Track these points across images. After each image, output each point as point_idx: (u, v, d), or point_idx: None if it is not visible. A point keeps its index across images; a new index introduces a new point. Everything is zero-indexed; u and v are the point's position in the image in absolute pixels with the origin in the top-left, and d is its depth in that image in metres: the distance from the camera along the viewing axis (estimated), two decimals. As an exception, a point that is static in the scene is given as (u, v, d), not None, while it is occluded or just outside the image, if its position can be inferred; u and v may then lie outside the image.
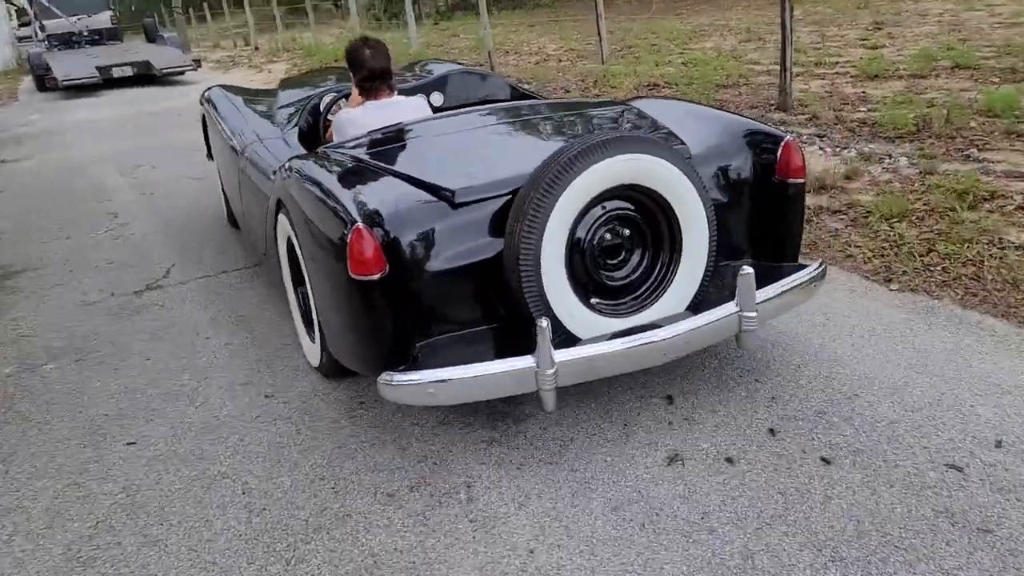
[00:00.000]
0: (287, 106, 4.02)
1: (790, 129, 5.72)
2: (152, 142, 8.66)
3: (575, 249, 2.36)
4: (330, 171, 2.71)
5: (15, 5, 20.15)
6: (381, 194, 2.49)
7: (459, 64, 4.79)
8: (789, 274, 2.62)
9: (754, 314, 2.41)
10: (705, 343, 2.52)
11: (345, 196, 2.47)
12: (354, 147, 2.92)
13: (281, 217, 2.92)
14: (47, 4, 18.39)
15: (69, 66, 14.16)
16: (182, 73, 14.69)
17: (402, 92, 3.51)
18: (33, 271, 4.70)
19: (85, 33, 18.52)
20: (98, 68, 13.96)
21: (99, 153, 8.40)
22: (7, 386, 3.28)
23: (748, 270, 2.38)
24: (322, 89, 4.02)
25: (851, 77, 7.04)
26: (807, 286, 2.63)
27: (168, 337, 3.59)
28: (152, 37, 17.84)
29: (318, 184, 2.61)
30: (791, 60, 5.96)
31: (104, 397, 3.10)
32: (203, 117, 5.06)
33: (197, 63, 14.70)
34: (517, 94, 4.16)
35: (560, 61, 10.66)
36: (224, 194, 4.92)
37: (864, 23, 10.08)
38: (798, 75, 6.91)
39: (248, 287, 4.10)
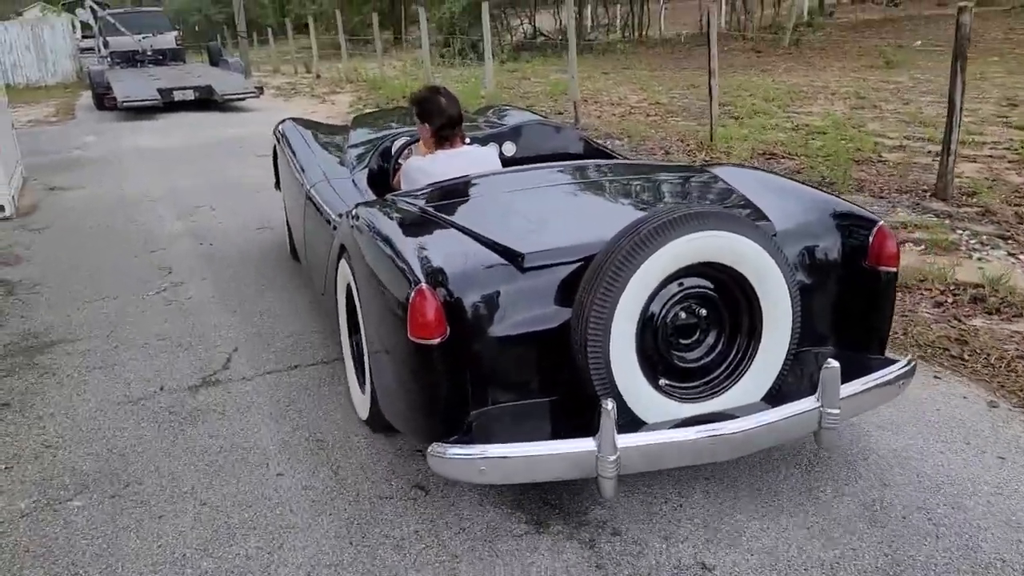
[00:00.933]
0: (358, 145, 3.99)
1: (961, 226, 4.84)
2: (212, 180, 8.02)
3: (647, 326, 2.23)
4: (396, 222, 2.64)
5: (79, 19, 19.98)
6: (447, 252, 2.39)
7: (533, 113, 4.74)
8: (876, 369, 2.44)
9: (837, 411, 2.23)
10: (781, 439, 2.39)
11: (410, 253, 2.37)
12: (422, 197, 2.87)
13: (343, 263, 2.84)
14: (113, 21, 18.20)
15: (130, 87, 13.76)
16: (243, 99, 14.19)
17: (474, 140, 3.46)
18: (71, 344, 3.97)
19: (149, 53, 18.28)
20: (159, 91, 13.52)
21: (155, 188, 7.77)
22: (18, 529, 2.51)
23: (834, 363, 2.21)
24: (394, 131, 3.96)
25: (1009, 162, 6.15)
26: (895, 384, 2.44)
27: (228, 467, 2.80)
28: (215, 60, 17.52)
29: (383, 236, 2.52)
30: (957, 140, 5.08)
31: (140, 566, 2.31)
32: (274, 148, 5.01)
33: (260, 90, 14.21)
34: (591, 150, 3.98)
35: (648, 115, 9.89)
36: (288, 226, 4.86)
37: (992, 96, 9.18)
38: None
39: (328, 393, 3.32)
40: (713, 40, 7.13)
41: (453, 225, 2.58)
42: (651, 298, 2.20)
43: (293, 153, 4.35)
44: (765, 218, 2.58)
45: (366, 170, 3.64)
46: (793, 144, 7.15)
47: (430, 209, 2.74)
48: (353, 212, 2.82)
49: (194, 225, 6.24)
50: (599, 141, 4.41)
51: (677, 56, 17.96)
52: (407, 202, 2.87)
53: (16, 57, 22.76)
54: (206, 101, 14.05)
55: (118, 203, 7.18)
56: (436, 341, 2.17)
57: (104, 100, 13.94)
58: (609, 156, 3.87)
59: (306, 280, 4.37)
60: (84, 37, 36.81)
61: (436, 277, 2.25)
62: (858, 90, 10.39)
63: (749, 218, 2.49)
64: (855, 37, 17.11)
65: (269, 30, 27.33)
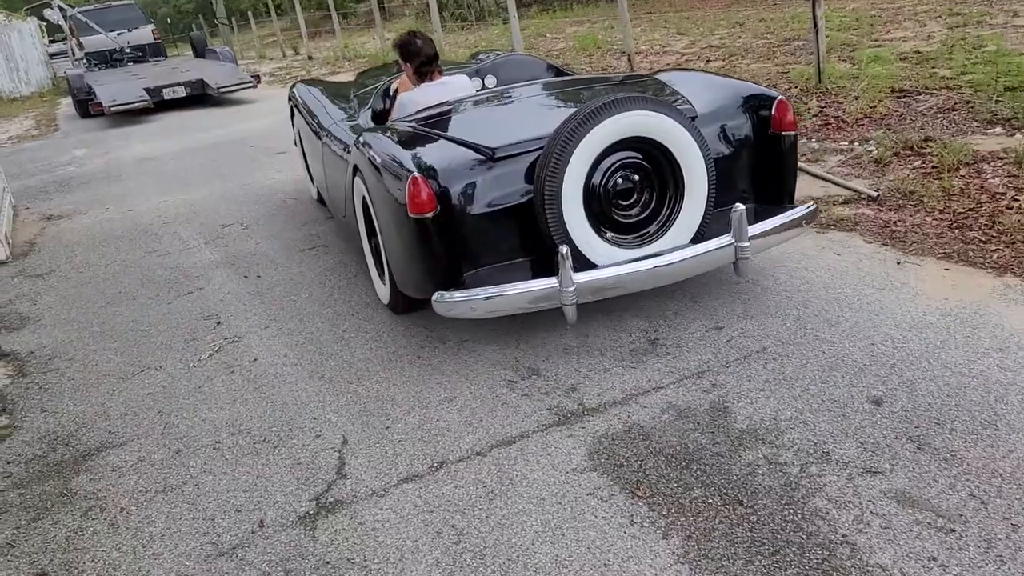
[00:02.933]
0: (361, 94, 4.78)
1: None
2: (231, 189, 6.90)
3: (592, 190, 2.89)
4: (393, 139, 3.34)
5: (45, 21, 18.58)
6: (434, 153, 3.10)
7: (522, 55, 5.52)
8: (782, 214, 3.15)
9: (747, 244, 2.96)
10: (705, 268, 3.08)
11: (404, 156, 3.08)
12: (412, 120, 3.56)
13: (357, 180, 3.51)
14: (84, 19, 16.87)
15: (115, 89, 12.51)
16: (240, 91, 12.94)
17: (465, 75, 4.19)
18: (116, 450, 2.91)
19: (127, 50, 16.99)
20: (147, 90, 12.29)
21: (168, 206, 6.65)
22: None
23: (740, 207, 2.93)
24: (391, 77, 4.63)
25: None
26: (797, 223, 3.14)
27: None
28: (201, 52, 16.18)
29: (384, 149, 3.23)
30: None
31: None
32: (291, 109, 5.79)
33: (256, 79, 12.95)
34: (558, 73, 4.68)
35: (709, 61, 8.70)
36: (309, 174, 5.75)
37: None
38: None
39: (508, 510, 2.26)
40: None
41: (438, 136, 3.24)
42: (593, 167, 2.84)
43: (308, 108, 5.07)
44: (687, 103, 3.23)
45: (370, 109, 4.30)
46: (921, 77, 6.00)
47: (419, 127, 3.41)
48: (360, 139, 3.45)
49: (228, 251, 5.15)
50: (564, 66, 5.13)
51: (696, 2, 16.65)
52: (401, 125, 3.56)
53: (-15, 69, 21.37)
54: (198, 97, 12.83)
55: (130, 229, 6.06)
56: (429, 215, 2.83)
57: (88, 107, 12.70)
58: (572, 76, 4.48)
59: (347, 238, 4.72)
60: (51, 42, 35.21)
61: (426, 170, 2.91)
62: (949, 7, 9.16)
63: (670, 103, 3.06)
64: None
65: (250, 14, 25.82)
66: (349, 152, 3.72)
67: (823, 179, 4.67)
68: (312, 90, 5.40)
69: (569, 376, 2.97)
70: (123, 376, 3.52)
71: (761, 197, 3.31)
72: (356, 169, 3.49)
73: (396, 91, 4.20)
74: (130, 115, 12.49)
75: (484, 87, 4.29)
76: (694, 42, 10.16)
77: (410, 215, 2.85)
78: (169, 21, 38.86)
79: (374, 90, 4.59)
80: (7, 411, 3.36)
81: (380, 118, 4.21)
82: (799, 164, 4.06)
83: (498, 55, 5.24)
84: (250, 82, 12.67)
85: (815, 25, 6.03)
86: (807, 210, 3.17)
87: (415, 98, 3.87)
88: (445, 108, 3.64)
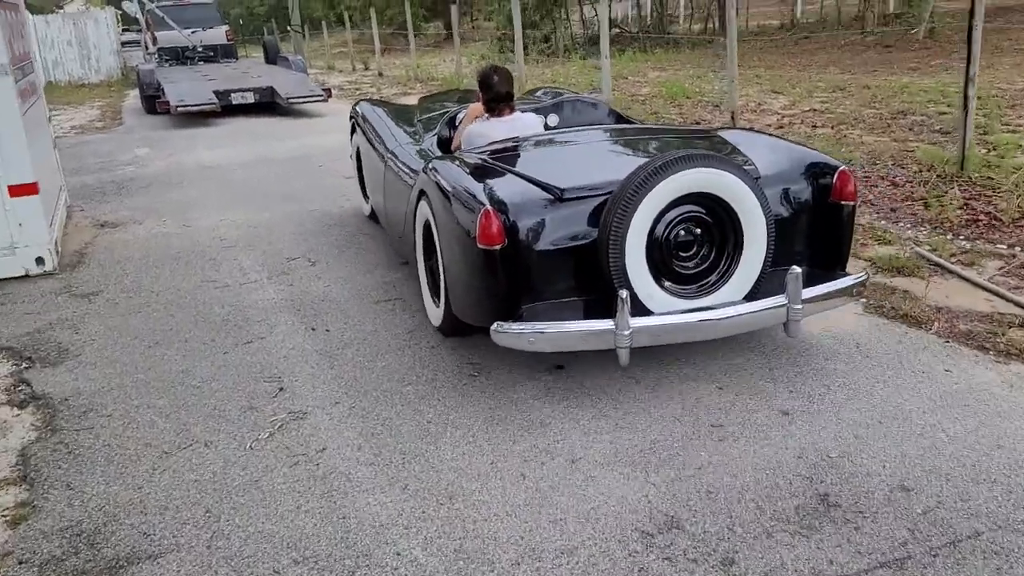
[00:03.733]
0: (425, 119, 5.06)
1: None
2: (297, 213, 6.41)
3: (655, 240, 2.96)
4: (465, 169, 3.45)
5: (128, 12, 18.56)
6: (505, 188, 3.22)
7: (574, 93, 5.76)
8: (835, 281, 3.23)
9: (799, 306, 3.00)
10: (756, 326, 3.17)
11: (476, 188, 3.20)
12: (483, 152, 3.71)
13: (422, 204, 3.65)
14: (162, 15, 16.76)
15: (184, 89, 12.23)
16: (309, 104, 12.58)
17: (525, 111, 4.31)
18: (150, 564, 2.34)
19: (199, 49, 16.83)
20: (216, 93, 11.98)
21: (229, 224, 6.17)
22: None
23: (796, 269, 3.00)
24: (457, 108, 4.82)
25: None
26: (849, 290, 3.24)
27: None
28: (273, 58, 15.94)
29: (456, 178, 3.38)
30: None
31: None
32: (352, 125, 5.86)
33: (327, 93, 12.57)
34: (621, 119, 4.82)
35: (814, 127, 8.07)
36: (364, 191, 5.90)
37: None
38: None
39: None
40: (977, 36, 5.29)
41: (507, 170, 3.43)
42: (658, 218, 2.95)
43: (372, 127, 5.17)
44: (751, 163, 3.32)
45: (435, 136, 4.53)
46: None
47: (488, 160, 3.59)
48: (431, 164, 3.64)
49: (293, 291, 4.62)
50: (627, 113, 5.24)
51: (784, 50, 16.04)
52: (471, 156, 3.71)
53: (58, 53, 21.48)
54: (266, 104, 12.49)
55: (187, 250, 5.58)
56: (497, 248, 2.96)
57: (155, 104, 12.43)
58: (635, 124, 4.76)
59: (400, 254, 4.83)
60: (124, 30, 35.66)
61: (497, 204, 3.05)
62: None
63: (737, 162, 3.19)
64: (999, 25, 15.07)
65: (323, 23, 25.75)
66: (415, 176, 3.93)
67: (986, 289, 4.01)
68: (377, 110, 5.55)
69: (721, 536, 2.35)
70: (167, 450, 2.97)
71: (815, 262, 3.36)
72: (423, 193, 3.65)
73: (462, 120, 4.42)
74: (196, 116, 12.18)
75: (547, 126, 4.38)
76: (793, 103, 9.55)
77: (479, 245, 2.97)
78: (241, 22, 39.18)
79: (438, 116, 4.91)
80: (28, 479, 2.83)
81: (445, 145, 4.49)
82: (954, 267, 4.13)
83: (558, 93, 5.29)
84: (320, 96, 12.31)
85: (965, 105, 5.39)
86: (858, 280, 3.29)
87: (484, 131, 4.05)
88: (513, 144, 3.82)
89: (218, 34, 17.83)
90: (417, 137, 4.77)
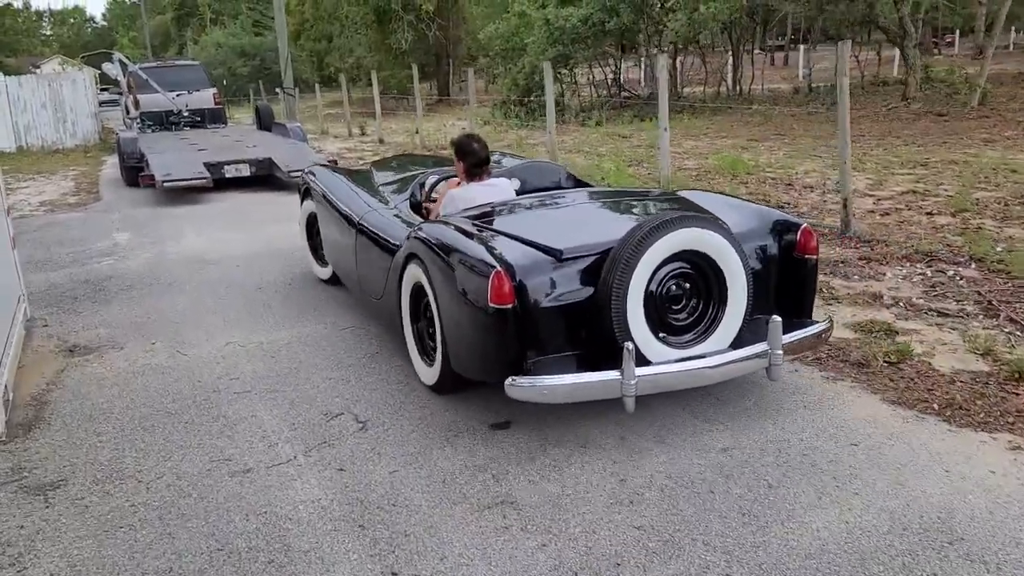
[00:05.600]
0: (389, 183, 5.28)
1: None
2: (323, 332, 5.01)
3: (651, 294, 3.25)
4: (464, 233, 3.59)
5: (109, 73, 17.23)
6: (508, 250, 3.42)
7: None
8: (806, 327, 3.59)
9: (780, 351, 3.33)
10: (744, 371, 3.47)
11: (481, 251, 3.38)
12: (471, 216, 3.91)
13: (412, 267, 3.83)
14: (145, 77, 15.46)
15: (171, 161, 10.83)
16: (311, 176, 11.18)
17: (503, 177, 4.59)
18: None
19: (185, 113, 15.50)
20: (207, 166, 10.59)
21: (238, 351, 4.74)
22: None
23: (777, 318, 3.31)
24: (423, 171, 5.14)
25: None
26: (819, 335, 3.62)
27: None
28: (266, 124, 14.60)
29: (458, 242, 3.52)
30: None
31: None
32: (304, 191, 6.01)
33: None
34: (578, 182, 5.02)
35: (931, 214, 6.80)
36: (316, 256, 6.07)
37: None
38: None
39: None
40: None
41: (505, 234, 3.61)
42: (653, 275, 3.24)
43: (335, 194, 5.29)
44: (725, 224, 3.51)
45: (406, 201, 4.76)
46: None
47: (482, 224, 3.77)
48: (423, 231, 3.82)
49: (346, 486, 3.20)
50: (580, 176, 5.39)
51: (820, 118, 15.02)
52: (461, 220, 3.87)
53: (31, 117, 20.02)
54: (262, 176, 11.11)
55: (186, 398, 4.12)
56: (509, 307, 3.19)
57: (138, 177, 11.02)
58: (592, 186, 5.09)
59: (377, 317, 4.94)
60: (102, 90, 34.33)
61: (505, 265, 3.27)
62: None
63: (719, 222, 3.47)
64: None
65: (316, 85, 24.60)
66: (395, 240, 4.14)
67: None
68: (334, 175, 5.69)
69: None
70: None
71: (784, 311, 3.56)
72: (412, 257, 3.81)
73: (435, 184, 4.76)
74: (185, 191, 10.73)
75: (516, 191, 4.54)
76: (879, 182, 8.32)
77: (492, 305, 3.19)
78: (224, 83, 38.11)
79: (400, 180, 5.22)
80: None
81: (417, 208, 4.70)
82: None
83: (515, 157, 5.56)
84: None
85: None
86: (825, 326, 3.65)
87: (465, 195, 4.24)
88: (495, 208, 4.04)
89: (205, 97, 16.55)
90: (385, 202, 4.92)
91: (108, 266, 7.12)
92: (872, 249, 5.88)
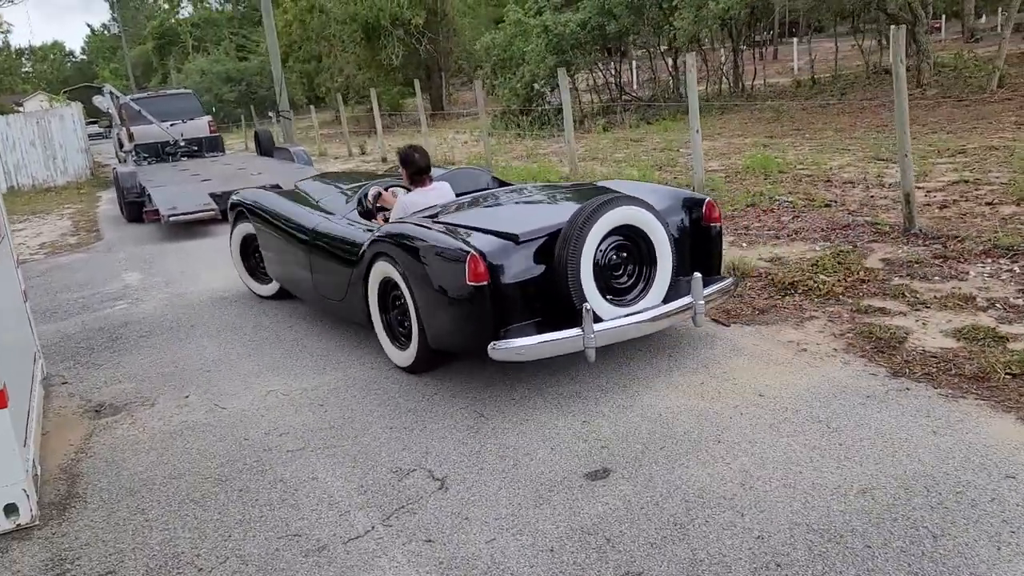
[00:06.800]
0: (330, 196, 5.71)
1: None
2: (373, 370, 4.56)
3: (596, 264, 3.83)
4: (433, 230, 4.13)
5: (100, 107, 16.80)
6: (476, 239, 3.94)
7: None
8: (718, 282, 4.34)
9: (703, 302, 4.04)
10: (676, 321, 4.14)
11: (453, 239, 3.93)
12: (428, 216, 4.45)
13: (380, 264, 4.36)
14: (137, 108, 15.03)
15: (174, 193, 10.41)
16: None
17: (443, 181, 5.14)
18: None
19: (181, 144, 15.07)
20: (213, 196, 10.15)
21: (281, 400, 4.34)
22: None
23: (698, 275, 4.03)
24: (366, 182, 5.63)
25: None
26: (730, 288, 4.42)
27: None
28: (267, 150, 14.19)
29: (429, 236, 4.07)
30: None
31: None
32: (236, 215, 6.33)
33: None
34: (502, 183, 5.61)
35: (991, 204, 6.42)
36: (256, 277, 6.40)
37: None
38: None
39: None
40: None
41: (461, 225, 4.16)
42: (598, 247, 3.84)
43: (279, 213, 5.69)
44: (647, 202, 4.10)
45: (354, 211, 5.19)
46: None
47: (441, 221, 4.30)
48: (387, 230, 4.39)
49: (441, 562, 2.77)
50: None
51: (835, 110, 14.68)
52: (422, 219, 4.39)
53: (20, 155, 19.58)
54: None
55: (234, 460, 3.71)
56: (484, 284, 3.73)
57: (141, 212, 10.60)
58: (515, 185, 5.59)
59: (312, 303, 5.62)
60: (90, 123, 33.84)
61: (477, 250, 3.78)
62: None
63: (647, 201, 4.08)
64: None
65: (312, 107, 24.20)
66: (356, 245, 4.67)
67: None
68: (271, 196, 6.10)
69: None
70: None
71: (698, 270, 4.16)
72: (380, 255, 4.35)
73: (379, 194, 5.18)
74: (190, 224, 10.31)
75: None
76: (923, 173, 7.94)
77: (469, 283, 3.73)
78: (214, 110, 37.69)
79: (337, 193, 5.67)
80: None
81: (368, 216, 5.12)
82: None
83: (440, 168, 5.84)
84: (336, 191, 10.51)
85: None
86: (734, 281, 4.55)
87: (416, 200, 4.79)
88: (443, 207, 4.62)
89: (200, 125, 16.15)
90: (330, 213, 5.31)
91: (122, 311, 6.69)
92: (945, 246, 5.49)
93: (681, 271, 4.15)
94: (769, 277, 5.40)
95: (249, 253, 6.39)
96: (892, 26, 5.48)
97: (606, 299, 3.89)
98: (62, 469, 3.82)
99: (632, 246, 4.00)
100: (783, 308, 4.90)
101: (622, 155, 12.05)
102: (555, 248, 3.84)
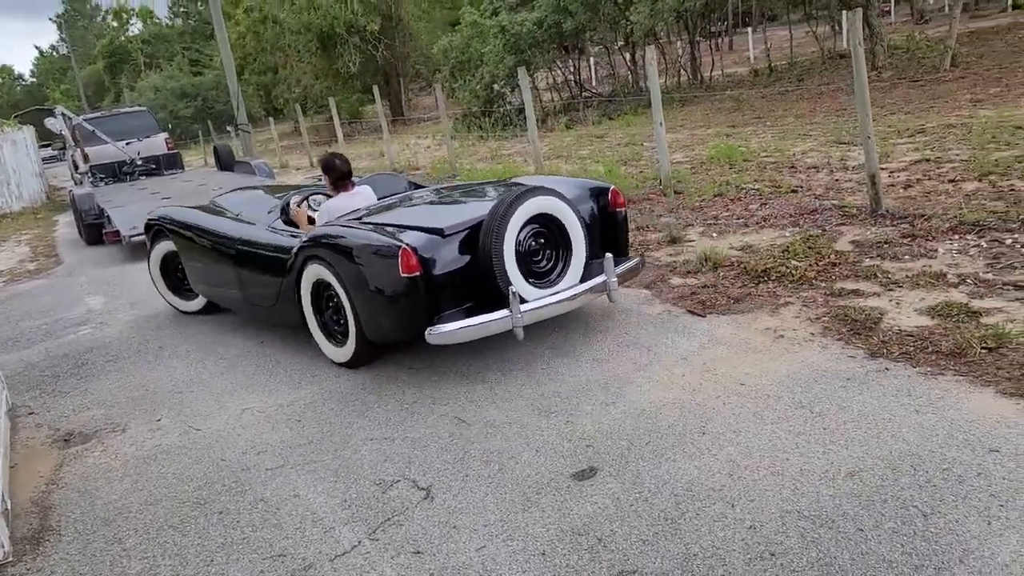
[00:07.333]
0: (243, 210, 5.85)
1: None
2: (348, 382, 4.46)
3: (519, 251, 4.17)
4: (363, 230, 4.41)
5: (53, 129, 16.43)
6: (404, 235, 4.21)
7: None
8: (626, 262, 4.74)
9: (615, 279, 4.44)
10: (593, 298, 4.53)
11: (384, 237, 4.20)
12: (355, 218, 4.71)
13: (312, 267, 4.55)
14: (91, 128, 14.73)
15: (134, 214, 10.16)
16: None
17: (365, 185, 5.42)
18: None
19: (138, 162, 14.79)
20: (175, 214, 9.90)
21: (260, 422, 4.25)
22: None
23: (609, 255, 4.41)
24: (290, 192, 5.83)
25: None
26: (637, 267, 4.82)
27: None
28: (228, 164, 13.98)
29: (359, 236, 4.33)
30: None
31: None
32: (154, 233, 6.46)
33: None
34: (417, 186, 5.99)
35: (954, 181, 6.51)
36: (178, 292, 6.50)
37: None
38: None
39: None
40: None
41: (388, 224, 4.44)
42: (518, 235, 4.16)
43: (200, 227, 5.80)
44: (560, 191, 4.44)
45: (278, 219, 5.34)
46: None
47: (368, 222, 4.57)
48: (318, 234, 4.58)
49: (429, 570, 2.72)
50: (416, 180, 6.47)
51: (794, 97, 14.83)
52: (351, 221, 4.65)
53: (-28, 182, 19.10)
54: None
55: (213, 482, 3.62)
56: (417, 275, 4.01)
57: (102, 234, 10.37)
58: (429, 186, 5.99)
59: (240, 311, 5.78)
60: (43, 146, 33.12)
61: (408, 244, 4.06)
62: None
63: (560, 191, 4.41)
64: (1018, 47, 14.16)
65: (271, 119, 23.90)
66: (285, 251, 4.83)
67: None
68: (190, 211, 6.19)
69: None
70: None
71: (608, 251, 4.51)
72: (312, 258, 4.54)
73: (299, 202, 5.39)
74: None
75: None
76: (885, 154, 8.02)
77: (403, 275, 4.00)
78: (170, 127, 37.11)
79: (253, 205, 5.88)
80: None
81: (291, 224, 5.27)
82: None
83: (366, 174, 6.25)
84: (301, 203, 10.37)
85: None
86: (639, 261, 4.89)
87: (340, 204, 5.01)
88: (368, 210, 4.88)
89: (157, 143, 15.88)
90: (252, 224, 5.44)
91: (87, 336, 6.52)
92: (912, 225, 5.54)
93: (593, 254, 4.49)
94: (741, 266, 5.41)
95: (170, 271, 6.46)
96: (846, 11, 5.51)
97: (529, 282, 4.21)
98: (33, 502, 3.70)
99: (548, 233, 4.32)
100: (758, 296, 4.91)
101: (586, 152, 12.06)
102: (479, 239, 4.13)
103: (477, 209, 4.35)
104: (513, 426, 3.70)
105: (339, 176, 5.13)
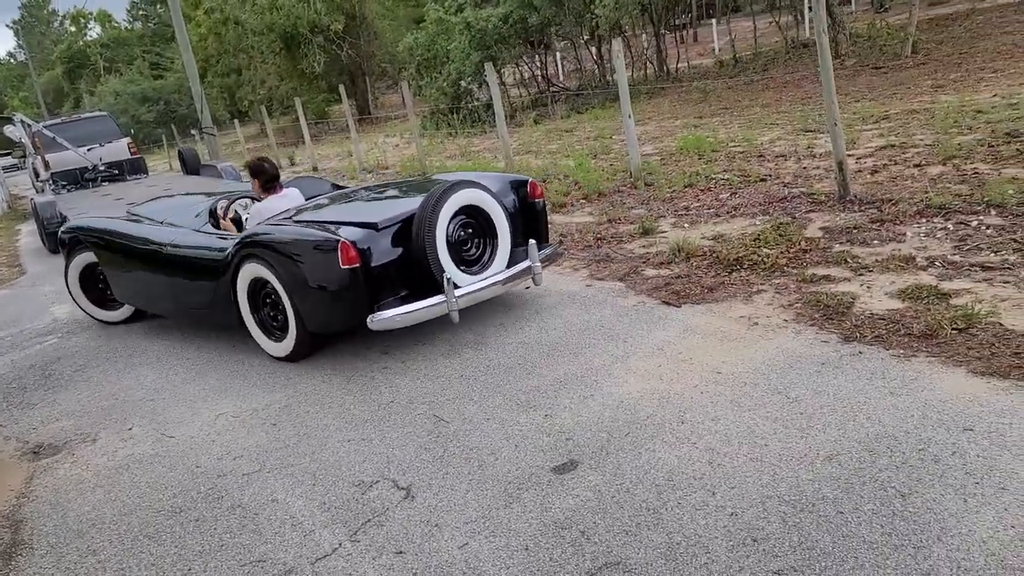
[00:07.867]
0: (165, 215, 5.97)
1: None
2: (325, 382, 4.41)
3: (449, 240, 4.45)
4: (297, 225, 4.66)
5: (11, 136, 16.11)
6: (341, 230, 4.38)
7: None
8: (547, 248, 5.13)
9: (539, 264, 4.77)
10: (520, 282, 4.81)
11: (320, 233, 4.38)
12: (287, 217, 4.91)
13: (248, 265, 4.71)
14: (51, 135, 14.45)
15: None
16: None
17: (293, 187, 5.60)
18: None
19: (101, 168, 14.54)
20: (140, 220, 9.75)
21: (235, 427, 4.19)
22: None
23: (533, 241, 4.76)
24: (216, 196, 5.94)
25: None
26: (557, 253, 5.29)
27: None
28: (194, 168, 13.78)
29: (298, 232, 4.52)
30: None
31: None
32: (71, 244, 6.31)
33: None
34: (341, 186, 6.32)
35: (919, 166, 6.59)
36: (99, 303, 6.46)
37: None
38: None
39: None
40: None
41: (327, 221, 4.64)
42: (447, 226, 4.45)
43: (126, 235, 5.80)
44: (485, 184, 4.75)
45: (207, 223, 5.47)
46: None
47: (303, 219, 4.77)
48: (254, 233, 4.71)
49: (412, 570, 2.70)
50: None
51: (759, 86, 14.94)
52: (283, 221, 4.84)
53: (-70, 193, 18.69)
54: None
55: (188, 489, 3.56)
56: (357, 266, 4.23)
57: (65, 242, 10.14)
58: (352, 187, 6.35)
59: (204, 323, 5.83)
60: (2, 155, 32.49)
61: (345, 237, 4.25)
62: None
63: (485, 184, 4.74)
64: (987, 32, 14.37)
65: (236, 122, 23.60)
66: (221, 251, 4.96)
67: None
68: (112, 221, 6.18)
69: None
70: None
71: (530, 238, 4.84)
72: (248, 257, 4.69)
73: (227, 206, 5.57)
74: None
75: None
76: (852, 140, 8.11)
77: (343, 267, 4.20)
78: (132, 132, 36.56)
79: (175, 210, 5.98)
80: None
81: (217, 227, 5.44)
82: None
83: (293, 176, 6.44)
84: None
85: None
86: (559, 246, 5.76)
87: (270, 205, 5.19)
88: (299, 209, 5.09)
89: (120, 148, 15.62)
90: (182, 228, 5.53)
91: (53, 346, 6.39)
92: (880, 210, 5.61)
93: (516, 241, 4.81)
94: (714, 255, 5.44)
95: (91, 283, 6.38)
96: (808, 0, 5.54)
97: (460, 269, 4.51)
98: (4, 516, 3.61)
99: (475, 223, 4.63)
100: (731, 284, 4.93)
101: (556, 146, 12.05)
102: (411, 231, 4.41)
103: (406, 204, 4.60)
104: (492, 422, 3.68)
105: (268, 179, 5.33)
